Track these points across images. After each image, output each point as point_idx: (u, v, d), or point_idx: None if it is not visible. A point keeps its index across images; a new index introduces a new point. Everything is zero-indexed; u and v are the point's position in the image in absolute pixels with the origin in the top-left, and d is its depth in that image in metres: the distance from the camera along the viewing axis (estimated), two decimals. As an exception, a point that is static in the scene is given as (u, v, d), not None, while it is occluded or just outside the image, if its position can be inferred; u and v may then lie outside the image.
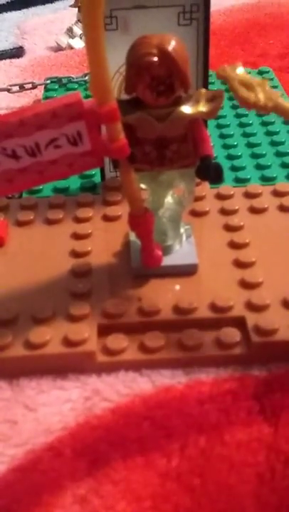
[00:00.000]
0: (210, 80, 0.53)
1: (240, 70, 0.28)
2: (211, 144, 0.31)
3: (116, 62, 0.33)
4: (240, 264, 0.34)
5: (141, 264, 0.33)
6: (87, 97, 0.27)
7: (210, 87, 0.51)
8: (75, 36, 0.69)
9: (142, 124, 0.30)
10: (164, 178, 0.32)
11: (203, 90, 0.29)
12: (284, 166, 0.44)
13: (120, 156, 0.28)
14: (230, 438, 0.26)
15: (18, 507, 0.24)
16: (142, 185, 0.32)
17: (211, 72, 0.55)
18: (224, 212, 0.39)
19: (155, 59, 0.28)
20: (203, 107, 0.29)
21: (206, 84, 0.39)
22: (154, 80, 0.28)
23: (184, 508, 0.24)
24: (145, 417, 0.28)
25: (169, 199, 0.34)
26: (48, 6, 0.83)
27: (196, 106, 0.29)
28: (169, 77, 0.28)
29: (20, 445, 0.27)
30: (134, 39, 0.29)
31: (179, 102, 0.30)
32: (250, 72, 0.57)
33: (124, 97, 0.30)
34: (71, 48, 0.68)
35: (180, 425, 0.27)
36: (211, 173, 0.30)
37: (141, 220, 0.31)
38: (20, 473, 0.25)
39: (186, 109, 0.29)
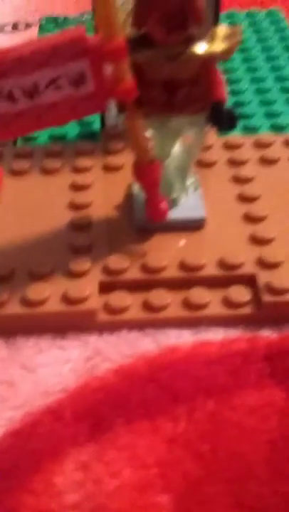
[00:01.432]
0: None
1: None
2: (226, 88, 0.28)
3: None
4: (250, 219, 0.33)
5: (145, 217, 0.31)
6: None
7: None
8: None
9: (151, 64, 0.27)
10: (172, 124, 0.30)
11: (220, 27, 0.27)
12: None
13: (127, 98, 0.26)
14: (240, 402, 0.25)
15: (17, 472, 0.23)
16: (148, 133, 0.30)
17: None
18: (233, 163, 0.37)
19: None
20: (218, 46, 0.27)
21: (216, 21, 0.36)
22: (165, 14, 0.26)
23: (192, 476, 0.22)
24: (149, 379, 0.26)
25: (176, 148, 0.31)
26: None
27: (211, 45, 0.27)
28: (182, 11, 0.26)
29: (17, 407, 0.25)
30: None
31: (192, 40, 0.27)
32: (258, 14, 0.54)
33: (132, 33, 0.27)
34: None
35: (187, 388, 0.26)
36: (224, 119, 0.28)
37: (147, 169, 0.29)
38: (19, 438, 0.24)
39: (200, 48, 0.27)
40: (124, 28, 0.28)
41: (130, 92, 0.25)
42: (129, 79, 0.25)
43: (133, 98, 0.26)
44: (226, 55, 0.27)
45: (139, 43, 0.27)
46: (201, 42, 0.27)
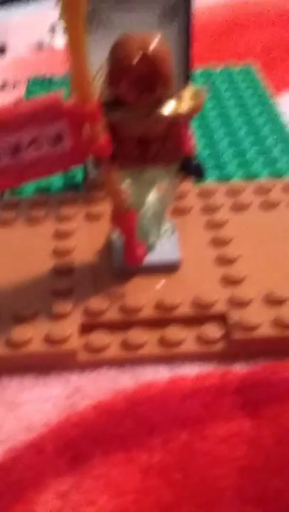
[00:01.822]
0: (191, 78, 0.54)
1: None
2: (193, 142, 0.31)
3: (98, 60, 0.33)
4: (222, 261, 0.35)
5: (123, 261, 0.33)
6: (69, 97, 0.27)
7: (193, 84, 0.52)
8: (58, 35, 0.69)
9: (124, 123, 0.30)
10: (146, 176, 0.32)
11: (186, 88, 0.30)
12: (267, 163, 0.44)
13: (102, 154, 0.28)
14: (211, 433, 0.27)
15: None
16: (124, 184, 0.33)
17: (192, 70, 0.56)
18: (207, 209, 0.39)
19: (137, 59, 0.28)
20: (183, 107, 0.29)
21: (188, 82, 0.39)
22: (136, 80, 0.28)
23: (165, 502, 0.24)
24: (127, 413, 0.28)
25: (151, 197, 0.34)
26: (32, 3, 0.83)
27: (178, 105, 0.29)
28: (151, 76, 0.28)
29: (1, 442, 0.27)
30: (117, 37, 0.29)
31: (161, 100, 0.30)
32: (233, 70, 0.58)
33: (106, 96, 0.30)
34: (54, 46, 0.68)
35: (162, 421, 0.27)
36: (192, 170, 0.30)
37: (124, 218, 0.31)
38: (1, 471, 0.25)
39: (168, 108, 0.29)
40: (100, 91, 0.31)
41: (105, 149, 0.28)
42: (103, 137, 0.28)
43: (108, 154, 0.28)
44: (189, 115, 0.30)
45: (112, 104, 0.30)
46: (170, 102, 0.30)
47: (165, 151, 0.31)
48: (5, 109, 0.26)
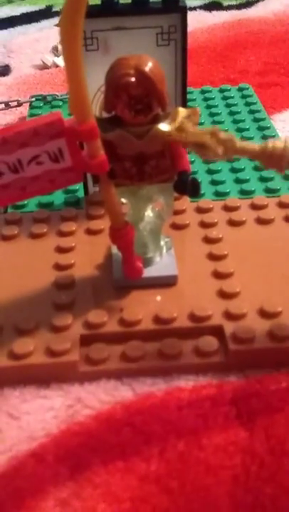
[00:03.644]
0: (190, 96, 0.55)
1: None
2: (188, 160, 0.32)
3: (97, 81, 0.34)
4: (218, 275, 0.36)
5: (122, 275, 0.34)
6: (70, 114, 0.28)
7: (190, 103, 0.53)
8: (60, 55, 0.71)
9: (122, 141, 0.31)
10: (143, 192, 0.33)
11: (180, 108, 0.31)
12: (262, 180, 0.45)
13: (100, 171, 0.29)
14: (207, 442, 0.27)
15: (1, 509, 0.25)
16: (123, 200, 0.34)
17: (191, 89, 0.58)
18: (204, 225, 0.40)
19: (132, 79, 0.29)
20: (173, 126, 0.30)
21: (184, 101, 0.40)
22: (132, 99, 0.29)
23: (161, 509, 0.24)
24: (126, 423, 0.28)
25: (148, 213, 0.35)
26: (34, 24, 0.85)
27: (173, 124, 0.31)
28: (146, 96, 0.30)
29: (3, 452, 0.27)
30: (115, 59, 0.30)
31: (156, 119, 0.31)
32: (230, 90, 0.59)
33: (105, 115, 0.31)
34: (56, 66, 0.70)
35: (159, 430, 0.28)
36: (188, 187, 0.31)
37: (121, 233, 0.32)
38: (4, 479, 0.26)
39: (163, 127, 0.30)
40: (99, 111, 0.32)
41: (102, 165, 0.29)
42: (101, 155, 0.29)
43: (106, 171, 0.29)
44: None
45: (110, 123, 0.31)
46: (165, 121, 0.31)
47: (161, 168, 0.32)
48: (7, 128, 0.27)
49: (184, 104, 0.40)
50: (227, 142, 0.29)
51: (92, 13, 0.34)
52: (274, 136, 0.51)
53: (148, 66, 0.29)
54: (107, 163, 0.29)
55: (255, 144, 0.29)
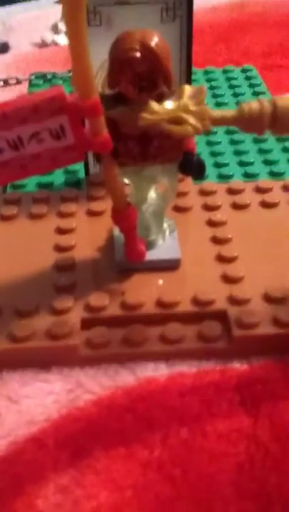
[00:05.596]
0: (193, 77, 0.54)
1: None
2: (194, 140, 0.31)
3: (100, 57, 0.33)
4: (222, 259, 0.35)
5: (124, 258, 0.34)
6: (71, 93, 0.27)
7: (193, 83, 0.52)
8: (60, 32, 0.70)
9: (125, 119, 0.30)
10: (147, 173, 0.32)
11: (186, 86, 0.30)
12: (266, 163, 0.44)
13: (103, 150, 0.28)
14: (211, 429, 0.27)
15: (0, 497, 0.24)
16: (125, 180, 0.33)
17: (194, 70, 0.57)
18: (207, 208, 0.39)
19: (138, 54, 0.28)
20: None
21: (189, 80, 0.39)
22: (137, 76, 0.28)
23: (164, 497, 0.24)
24: (127, 409, 0.28)
25: (152, 194, 0.34)
26: (33, 2, 0.83)
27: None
28: (152, 72, 0.29)
29: (3, 437, 0.27)
30: (118, 34, 0.29)
31: (161, 97, 0.30)
32: (233, 71, 0.58)
33: (108, 92, 0.30)
34: (56, 44, 0.68)
35: (162, 417, 0.27)
36: (193, 168, 0.30)
37: (124, 214, 0.31)
38: (3, 464, 0.25)
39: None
40: (102, 88, 0.31)
41: (106, 144, 0.28)
42: (105, 133, 0.28)
43: (109, 150, 0.28)
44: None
45: (114, 100, 0.30)
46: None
47: (166, 148, 0.31)
48: (6, 102, 0.26)
49: (189, 83, 0.39)
50: (201, 112, 0.28)
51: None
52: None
53: (154, 41, 0.28)
54: (110, 141, 0.28)
55: (230, 110, 0.29)
